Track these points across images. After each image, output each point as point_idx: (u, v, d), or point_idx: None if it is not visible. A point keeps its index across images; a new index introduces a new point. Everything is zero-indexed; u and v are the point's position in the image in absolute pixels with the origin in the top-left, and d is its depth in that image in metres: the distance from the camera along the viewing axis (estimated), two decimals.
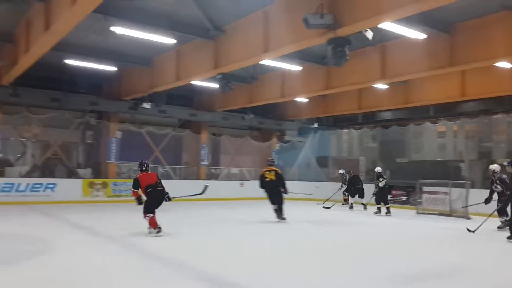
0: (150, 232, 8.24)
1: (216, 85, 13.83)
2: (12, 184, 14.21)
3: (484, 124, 17.57)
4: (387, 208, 13.72)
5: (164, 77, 13.79)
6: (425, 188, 14.83)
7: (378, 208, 13.80)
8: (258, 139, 21.95)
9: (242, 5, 9.76)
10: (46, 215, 11.38)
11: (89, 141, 17.78)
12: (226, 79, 12.34)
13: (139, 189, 8.44)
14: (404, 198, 16.77)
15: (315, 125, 21.69)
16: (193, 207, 14.10)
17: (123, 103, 16.59)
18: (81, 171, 16.79)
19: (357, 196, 15.29)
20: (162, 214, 11.93)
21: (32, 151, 16.47)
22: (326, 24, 7.90)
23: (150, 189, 8.41)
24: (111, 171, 17.02)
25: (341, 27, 8.08)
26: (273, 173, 11.01)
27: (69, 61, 13.11)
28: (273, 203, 10.97)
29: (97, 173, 17.12)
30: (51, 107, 15.75)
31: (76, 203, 14.63)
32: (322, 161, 21.82)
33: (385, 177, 14.07)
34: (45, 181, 14.88)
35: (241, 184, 19.23)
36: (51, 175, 16.10)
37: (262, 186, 11.04)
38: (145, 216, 8.26)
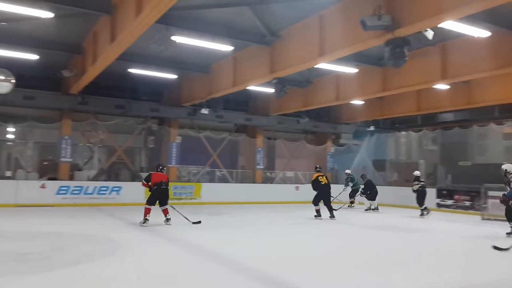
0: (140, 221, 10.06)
1: (271, 90, 14.05)
2: (81, 187, 15.11)
3: None
4: (421, 210, 13.88)
5: (222, 83, 14.17)
6: (491, 193, 14.11)
7: (421, 210, 13.92)
8: (313, 142, 21.90)
9: (298, 10, 9.87)
10: (113, 217, 11.97)
11: (151, 146, 18.55)
12: (281, 83, 12.46)
13: (149, 183, 10.35)
14: (467, 203, 16.05)
15: (372, 128, 21.28)
16: (249, 210, 14.32)
17: (182, 109, 17.20)
18: (144, 175, 17.50)
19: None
20: (220, 217, 12.30)
21: (98, 156, 17.44)
22: (384, 26, 7.83)
23: (155, 186, 10.26)
24: (171, 174, 17.66)
25: (399, 27, 7.96)
26: (325, 177, 12.61)
27: (132, 70, 13.84)
28: (326, 204, 12.35)
29: None
30: (116, 114, 16.63)
31: (139, 205, 15.17)
32: (379, 165, 21.37)
33: (422, 180, 14.25)
34: (111, 184, 15.66)
35: (297, 188, 19.24)
36: (116, 178, 16.96)
37: (317, 188, 12.40)
38: (145, 205, 10.22)
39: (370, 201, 15.70)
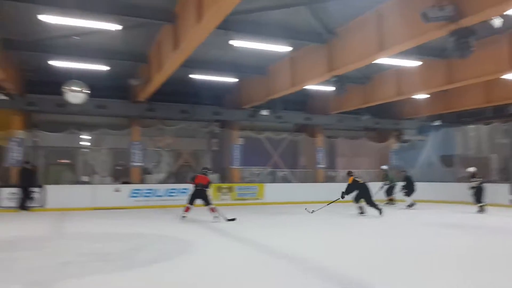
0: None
1: (330, 88, 14.00)
2: (152, 189, 15.91)
3: None
4: (480, 207, 13.54)
5: (280, 84, 14.33)
6: None
7: (480, 207, 13.61)
8: (375, 139, 21.44)
9: (354, 6, 9.81)
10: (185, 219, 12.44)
11: (214, 148, 19.09)
12: (341, 81, 12.38)
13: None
14: None
15: (437, 122, 20.45)
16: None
17: (243, 112, 17.58)
18: (209, 177, 18.05)
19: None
20: (283, 216, 12.44)
21: (166, 159, 18.23)
22: (447, 16, 7.60)
23: (194, 188, 11.67)
24: (235, 175, 18.10)
25: (464, 17, 7.68)
26: (360, 179, 13.06)
27: (194, 76, 14.37)
28: (369, 203, 12.68)
29: (223, 178, 18.32)
30: (181, 119, 17.35)
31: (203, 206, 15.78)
32: (447, 161, 20.48)
33: (479, 176, 13.94)
34: (179, 186, 16.32)
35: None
36: (184, 180, 17.64)
37: (356, 188, 12.76)
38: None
39: (408, 198, 15.36)
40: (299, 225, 10.92)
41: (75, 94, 12.34)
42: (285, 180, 19.42)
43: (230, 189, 17.04)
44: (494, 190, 15.72)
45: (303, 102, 19.45)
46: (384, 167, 16.73)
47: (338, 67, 11.36)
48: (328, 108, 18.80)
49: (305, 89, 14.62)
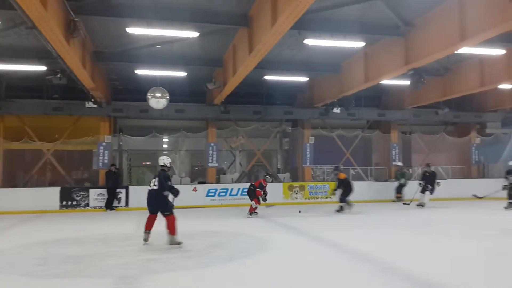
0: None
1: (405, 82, 13.60)
2: (227, 189, 16.42)
3: None
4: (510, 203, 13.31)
5: (353, 80, 14.16)
6: None
7: (510, 203, 13.37)
8: (454, 134, 20.43)
9: None
10: (257, 216, 12.74)
11: (286, 147, 19.26)
12: (418, 74, 11.97)
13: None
14: None
15: None
16: (386, 208, 14.01)
17: (314, 110, 17.57)
18: (281, 176, 18.31)
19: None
20: (358, 216, 12.29)
21: (240, 159, 18.69)
22: None
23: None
24: (306, 174, 18.12)
25: None
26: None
27: (267, 77, 14.62)
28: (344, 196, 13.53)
29: (294, 177, 18.43)
30: (254, 120, 17.71)
31: (279, 205, 15.98)
32: None
33: None
34: None
35: (438, 183, 18.04)
36: (256, 180, 17.98)
37: (344, 184, 13.59)
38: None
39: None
40: (374, 224, 10.74)
41: (158, 100, 13.06)
42: (358, 178, 19.08)
43: (301, 188, 17.10)
44: None
45: (377, 97, 19.05)
46: (399, 163, 16.65)
47: (415, 59, 11.02)
48: (403, 103, 18.24)
49: (379, 84, 14.31)
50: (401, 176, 16.92)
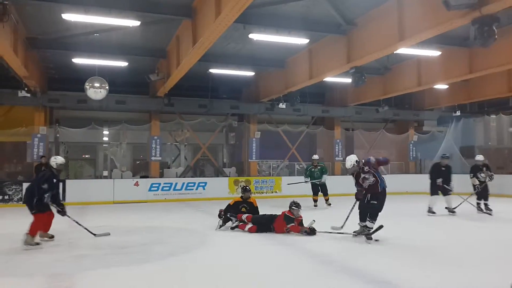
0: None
1: (348, 80, 13.89)
2: (171, 183, 16.08)
3: None
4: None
5: (298, 76, 14.28)
6: None
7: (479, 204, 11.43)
8: (394, 131, 21.26)
9: None
10: (201, 211, 12.58)
11: (232, 142, 19.19)
12: (359, 72, 12.27)
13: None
14: None
15: (458, 113, 20.16)
16: (332, 202, 14.28)
17: (260, 105, 17.59)
18: (226, 170, 18.23)
19: None
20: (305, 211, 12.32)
21: (184, 153, 18.39)
22: (469, 4, 7.46)
23: None
24: (252, 169, 18.16)
25: (487, 4, 7.53)
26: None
27: (212, 70, 14.43)
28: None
29: (240, 171, 18.41)
30: (199, 113, 17.47)
31: (224, 199, 15.82)
32: (467, 152, 20.18)
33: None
34: (197, 180, 16.52)
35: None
36: (202, 174, 17.81)
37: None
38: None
39: None
40: (327, 217, 10.91)
41: (96, 90, 12.52)
42: (302, 173, 19.35)
43: (247, 183, 17.10)
44: None
45: (321, 94, 19.39)
46: (315, 156, 13.65)
47: (357, 58, 11.26)
48: (346, 100, 18.68)
49: (323, 81, 14.54)
50: (322, 171, 13.22)
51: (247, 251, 6.91)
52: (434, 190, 11.08)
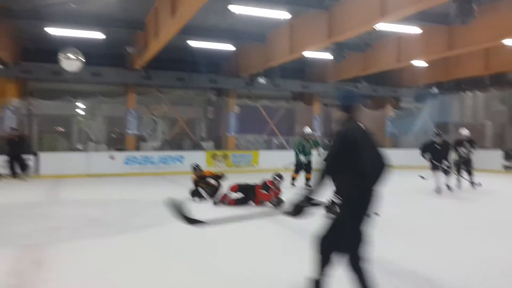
0: None
1: (328, 56, 13.84)
2: (147, 157, 15.92)
3: None
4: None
5: (278, 51, 14.13)
6: None
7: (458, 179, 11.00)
8: (371, 107, 21.43)
9: None
10: (177, 184, 12.50)
11: (210, 116, 19.03)
12: (340, 48, 12.23)
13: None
14: None
15: (435, 90, 20.45)
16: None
17: (240, 80, 17.40)
18: (204, 144, 18.14)
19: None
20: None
21: (162, 127, 18.17)
22: None
23: None
24: (230, 143, 18.12)
25: None
26: None
27: (191, 42, 14.12)
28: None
29: (218, 146, 18.35)
30: (177, 87, 17.19)
31: None
32: (442, 128, 20.54)
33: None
34: (174, 153, 16.38)
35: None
36: (179, 148, 17.66)
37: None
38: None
39: None
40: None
41: (71, 62, 12.16)
42: (280, 147, 19.48)
43: (224, 157, 17.09)
44: (488, 157, 16.03)
45: (301, 70, 19.28)
46: (308, 130, 12.15)
47: (338, 33, 11.20)
48: (326, 76, 18.66)
49: (303, 56, 14.45)
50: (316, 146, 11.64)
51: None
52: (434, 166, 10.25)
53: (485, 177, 13.56)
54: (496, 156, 16.66)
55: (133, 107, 16.62)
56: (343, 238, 3.22)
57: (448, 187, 10.42)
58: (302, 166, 11.52)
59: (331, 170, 3.14)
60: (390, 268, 4.51)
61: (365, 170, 3.14)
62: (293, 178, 11.60)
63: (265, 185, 8.36)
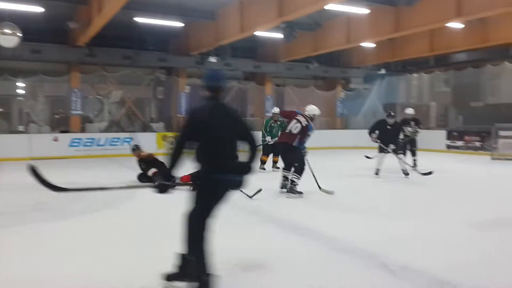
0: None
1: (280, 35, 13.75)
2: (93, 139, 15.28)
3: None
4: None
5: (229, 29, 13.88)
6: (502, 133, 14.16)
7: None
8: (323, 88, 21.66)
9: None
10: (125, 167, 12.11)
11: (160, 96, 18.51)
12: (290, 27, 12.18)
13: None
14: (478, 144, 16.10)
15: (382, 71, 20.94)
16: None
17: (190, 58, 16.96)
18: (154, 125, 17.67)
19: None
20: None
21: (108, 108, 17.49)
22: None
23: None
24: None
25: None
26: None
27: (138, 19, 13.55)
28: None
29: (169, 127, 17.94)
30: (124, 65, 16.49)
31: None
32: (389, 109, 21.12)
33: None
34: (122, 135, 15.83)
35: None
36: (127, 129, 17.09)
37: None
38: None
39: None
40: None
41: (7, 37, 11.37)
42: None
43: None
44: (433, 137, 16.71)
45: (253, 49, 19.08)
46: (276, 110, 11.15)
47: (288, 12, 11.10)
48: (278, 56, 18.58)
49: (255, 35, 14.28)
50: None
51: (174, 207, 6.76)
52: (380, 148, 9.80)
53: (430, 157, 14.17)
54: (440, 136, 17.39)
55: (77, 87, 15.85)
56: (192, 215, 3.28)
57: (404, 171, 9.72)
58: (270, 148, 10.69)
59: (180, 148, 3.15)
60: (339, 246, 4.58)
61: (216, 151, 3.23)
62: (263, 162, 10.75)
63: None
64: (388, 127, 9.78)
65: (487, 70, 18.46)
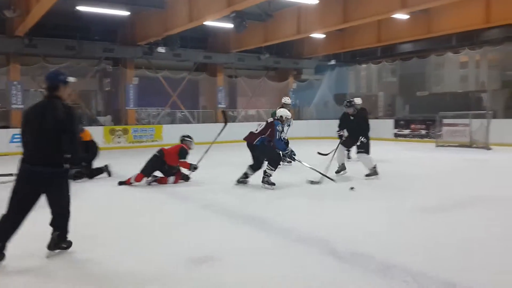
0: None
1: (230, 25, 13.55)
2: None
3: (508, 51, 16.88)
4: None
5: (177, 19, 13.52)
6: (445, 121, 14.77)
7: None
8: (275, 79, 21.70)
9: None
10: None
11: (107, 88, 17.85)
12: (240, 17, 12.00)
13: None
14: (423, 132, 16.74)
15: (332, 62, 21.26)
16: (214, 150, 14.30)
17: (138, 49, 16.44)
18: (101, 119, 17.02)
19: None
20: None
21: None
22: None
23: None
24: (130, 117, 17.21)
25: None
26: None
27: (81, 8, 12.91)
28: None
29: (117, 120, 17.35)
30: (67, 56, 15.72)
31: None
32: (340, 99, 21.60)
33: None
34: None
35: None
36: None
37: None
38: None
39: None
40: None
41: None
42: (184, 121, 19.00)
43: (124, 132, 16.25)
44: (381, 126, 17.18)
45: (203, 39, 18.76)
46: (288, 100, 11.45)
47: (238, 1, 10.94)
48: (229, 47, 18.36)
49: (204, 25, 14.01)
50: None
51: (130, 198, 6.63)
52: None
53: (378, 146, 14.49)
54: (387, 125, 17.93)
55: (17, 79, 14.94)
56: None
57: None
58: None
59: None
60: (291, 235, 4.56)
61: (26, 147, 3.72)
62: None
63: (183, 150, 7.74)
64: (351, 117, 8.52)
65: (432, 60, 19.18)
